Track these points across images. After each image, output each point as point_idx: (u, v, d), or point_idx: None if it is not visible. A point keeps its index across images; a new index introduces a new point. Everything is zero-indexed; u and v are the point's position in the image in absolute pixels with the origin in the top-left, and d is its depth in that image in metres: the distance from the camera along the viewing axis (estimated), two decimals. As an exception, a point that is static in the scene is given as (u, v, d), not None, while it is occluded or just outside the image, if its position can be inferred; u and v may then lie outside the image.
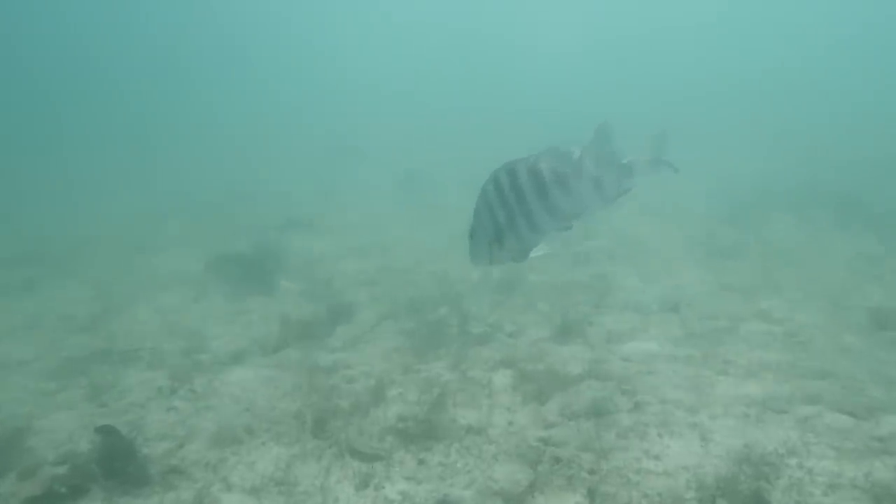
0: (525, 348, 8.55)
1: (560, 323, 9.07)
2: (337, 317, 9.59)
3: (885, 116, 27.00)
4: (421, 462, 6.17)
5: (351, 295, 10.55)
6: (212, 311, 10.51)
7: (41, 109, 45.85)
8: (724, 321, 9.28)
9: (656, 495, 5.52)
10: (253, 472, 6.09)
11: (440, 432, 6.60)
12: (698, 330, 9.05)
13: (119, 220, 16.94)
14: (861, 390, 7.08)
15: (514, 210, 3.43)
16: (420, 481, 5.85)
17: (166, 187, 21.37)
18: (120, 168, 24.63)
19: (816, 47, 48.23)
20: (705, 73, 42.10)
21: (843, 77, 37.95)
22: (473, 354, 8.32)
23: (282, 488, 5.86)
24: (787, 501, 5.27)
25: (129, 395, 7.67)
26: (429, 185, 19.62)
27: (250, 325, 9.78)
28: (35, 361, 8.71)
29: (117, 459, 5.99)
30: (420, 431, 6.62)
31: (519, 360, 8.08)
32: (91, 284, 12.01)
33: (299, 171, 22.73)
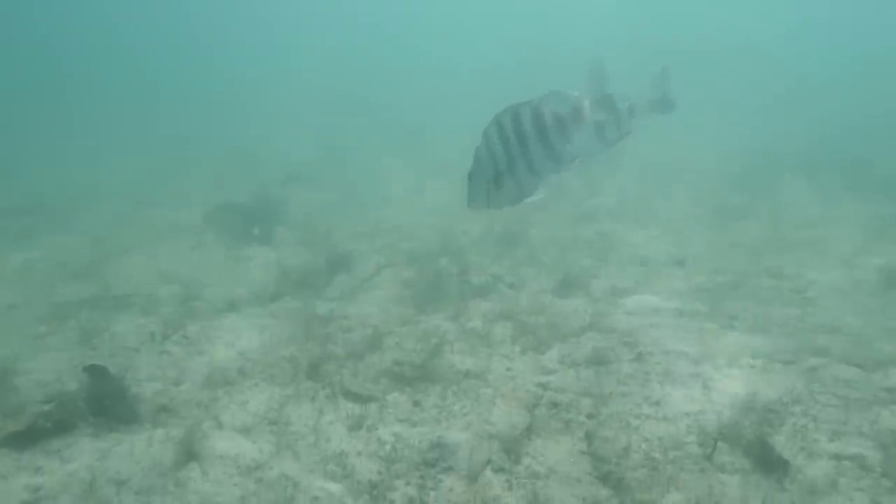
0: (526, 300, 8.36)
1: (562, 276, 8.88)
2: (335, 267, 9.41)
3: (894, 81, 26.36)
4: (416, 404, 6.03)
5: (350, 246, 10.35)
6: (209, 260, 10.34)
7: (52, 70, 45.24)
8: (731, 277, 9.07)
9: (656, 439, 5.37)
10: (245, 412, 5.97)
11: (437, 376, 6.46)
12: (704, 285, 8.85)
13: (120, 175, 16.73)
14: (870, 344, 6.88)
15: (514, 153, 3.41)
16: (415, 423, 5.72)
17: (169, 145, 21.10)
18: (124, 127, 24.35)
19: (823, 11, 47.00)
20: (711, 39, 41.11)
21: (850, 42, 37.04)
22: (473, 306, 8.14)
23: (274, 428, 5.74)
24: (791, 447, 5.12)
25: (120, 339, 7.54)
26: (434, 142, 19.31)
27: (247, 274, 9.62)
28: (25, 306, 8.58)
29: (106, 398, 5.87)
30: (416, 375, 6.48)
31: (519, 313, 7.90)
32: (88, 234, 11.85)
33: (303, 130, 22.38)
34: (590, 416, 5.76)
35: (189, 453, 5.24)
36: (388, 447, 5.35)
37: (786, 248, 10.25)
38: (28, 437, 5.40)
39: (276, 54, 49.19)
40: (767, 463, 4.94)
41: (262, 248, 10.66)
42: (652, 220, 11.87)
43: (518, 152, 3.41)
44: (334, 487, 4.89)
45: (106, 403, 5.82)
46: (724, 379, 6.30)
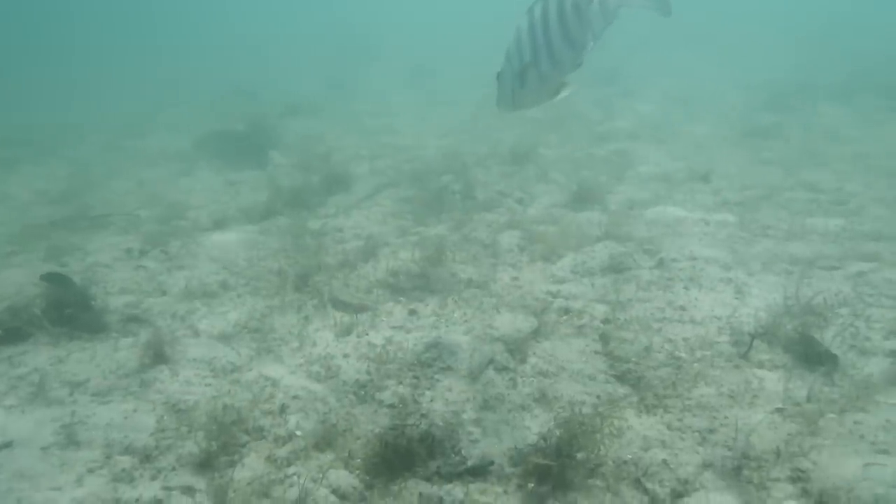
0: (536, 213, 7.67)
1: (576, 190, 8.14)
2: (332, 186, 8.76)
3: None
4: (412, 312, 5.41)
5: (349, 168, 9.65)
6: (198, 184, 9.72)
7: (53, 10, 43.90)
8: (762, 191, 8.29)
9: (681, 340, 4.72)
10: (224, 321, 5.39)
11: (436, 286, 5.83)
12: (732, 198, 8.08)
13: (114, 111, 16.02)
14: (924, 249, 6.13)
15: (539, 43, 3.48)
16: (410, 330, 5.11)
17: (166, 85, 20.30)
18: (124, 68, 23.58)
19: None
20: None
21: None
22: (478, 218, 7.47)
23: (255, 335, 5.16)
24: (840, 345, 4.44)
25: (93, 256, 6.97)
26: (440, 80, 18.44)
27: (238, 196, 9.00)
28: (-5, 228, 8.04)
29: (67, 307, 5.29)
30: (413, 285, 5.85)
31: (528, 223, 7.22)
32: (73, 164, 11.23)
33: (308, 72, 21.45)
34: (605, 321, 5.11)
35: (158, 357, 4.68)
36: (378, 350, 4.75)
37: (822, 163, 9.41)
38: (-27, 345, 4.86)
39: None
40: (812, 360, 4.27)
41: (254, 172, 10.01)
42: (674, 141, 11.02)
43: (542, 42, 3.47)
44: (317, 387, 4.31)
45: (67, 313, 5.25)
46: (759, 284, 5.61)
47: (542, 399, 4.07)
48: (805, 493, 3.11)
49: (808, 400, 3.87)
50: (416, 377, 4.37)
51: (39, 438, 3.71)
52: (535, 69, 3.53)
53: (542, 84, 3.60)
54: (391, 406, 4.05)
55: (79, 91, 19.61)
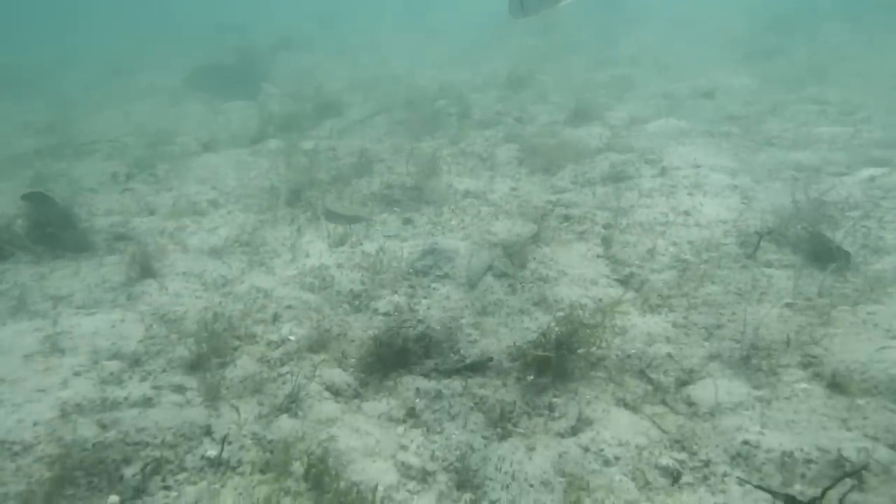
0: (535, 129, 7.40)
1: (574, 108, 7.84)
2: (325, 111, 8.46)
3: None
4: (407, 221, 5.24)
5: (343, 96, 9.31)
6: (187, 114, 9.40)
7: None
8: (767, 105, 8.00)
9: (686, 243, 4.56)
10: (215, 237, 5.22)
11: (432, 196, 5.64)
12: (736, 112, 7.80)
13: (99, 49, 15.47)
14: (937, 155, 5.91)
15: None
16: (405, 238, 4.95)
17: (155, 19, 19.59)
18: (110, 4, 22.73)
19: None
20: None
21: None
22: (475, 135, 7.21)
23: (246, 249, 4.99)
24: (851, 244, 4.27)
25: (79, 181, 6.75)
26: (436, 14, 17.80)
27: (228, 123, 8.70)
28: (-22, 157, 7.77)
29: (49, 225, 5.10)
30: (408, 196, 5.66)
31: (527, 137, 6.97)
32: (59, 98, 10.85)
33: (300, 4, 20.71)
34: (607, 227, 4.94)
35: (146, 271, 4.52)
36: (372, 259, 4.58)
37: (828, 78, 9.07)
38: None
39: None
40: (823, 258, 4.11)
41: (245, 102, 9.65)
42: (677, 64, 10.63)
43: None
44: (310, 297, 4.17)
45: (48, 231, 5.06)
46: (765, 190, 5.42)
47: (542, 303, 3.93)
48: (817, 375, 3.00)
49: (820, 295, 3.74)
50: (411, 286, 4.23)
51: (21, 347, 3.58)
52: None
53: None
54: (386, 314, 3.92)
55: (62, 29, 18.91)
